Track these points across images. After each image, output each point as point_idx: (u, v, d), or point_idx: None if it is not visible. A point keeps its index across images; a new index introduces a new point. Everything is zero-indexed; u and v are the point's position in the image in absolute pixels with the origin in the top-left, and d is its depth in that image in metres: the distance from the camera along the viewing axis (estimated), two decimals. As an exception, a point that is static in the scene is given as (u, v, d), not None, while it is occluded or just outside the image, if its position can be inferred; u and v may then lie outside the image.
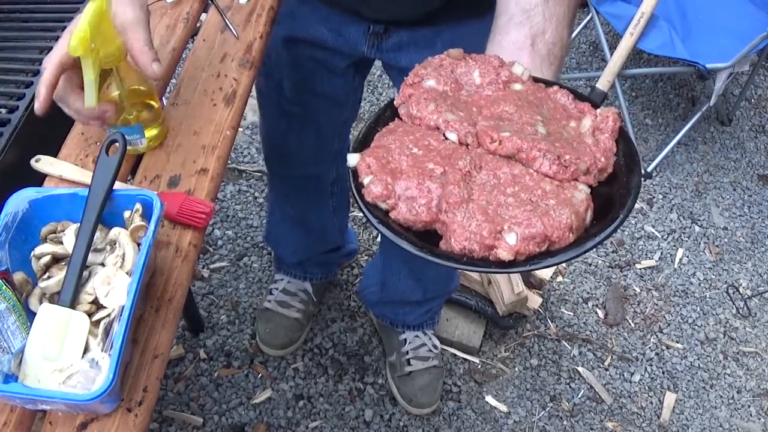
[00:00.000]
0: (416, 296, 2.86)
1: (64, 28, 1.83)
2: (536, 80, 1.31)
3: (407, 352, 3.04)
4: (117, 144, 1.33)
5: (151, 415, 1.29)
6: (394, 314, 3.04)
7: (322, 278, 3.22)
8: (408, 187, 1.12)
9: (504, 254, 1.06)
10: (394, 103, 1.30)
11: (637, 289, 3.50)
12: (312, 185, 2.73)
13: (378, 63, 2.15)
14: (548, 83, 1.32)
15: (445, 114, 1.22)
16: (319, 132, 2.44)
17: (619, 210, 1.13)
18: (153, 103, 1.60)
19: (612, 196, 1.17)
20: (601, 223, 1.13)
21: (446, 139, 1.21)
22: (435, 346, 3.09)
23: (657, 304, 3.45)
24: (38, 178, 1.56)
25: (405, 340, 3.06)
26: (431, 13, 1.87)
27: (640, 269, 3.57)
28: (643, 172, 3.89)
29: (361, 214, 3.55)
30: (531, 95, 1.27)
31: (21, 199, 1.33)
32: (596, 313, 3.39)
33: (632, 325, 3.37)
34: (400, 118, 1.28)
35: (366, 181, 1.15)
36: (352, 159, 1.19)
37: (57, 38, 1.81)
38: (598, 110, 1.26)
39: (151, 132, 1.62)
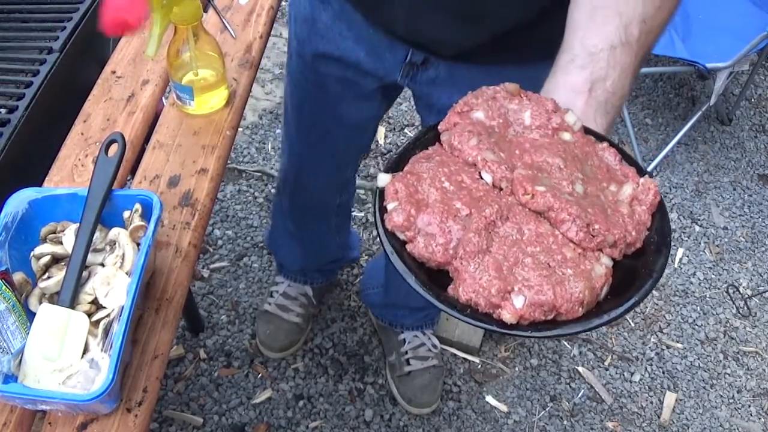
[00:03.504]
0: (419, 302, 2.84)
1: (64, 28, 1.84)
2: (587, 131, 1.26)
3: (406, 352, 3.03)
4: (116, 144, 1.33)
5: (151, 415, 1.29)
6: (393, 316, 3.04)
7: (323, 282, 3.20)
8: (430, 222, 1.10)
9: (507, 316, 1.03)
10: (438, 127, 1.26)
11: (637, 289, 3.49)
12: (316, 210, 2.72)
13: None
14: (599, 137, 1.27)
15: (485, 152, 1.18)
16: (333, 163, 2.42)
17: (635, 292, 1.10)
18: (220, 68, 1.66)
19: (633, 273, 1.13)
20: (614, 302, 1.10)
21: (481, 178, 1.18)
22: (434, 346, 3.08)
23: (657, 304, 3.45)
24: (38, 179, 1.56)
25: (404, 340, 3.05)
26: (479, 48, 1.71)
27: (640, 269, 3.57)
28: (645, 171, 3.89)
29: (362, 215, 3.56)
30: (578, 148, 1.23)
31: (21, 200, 1.34)
32: (596, 312, 3.39)
33: (632, 324, 3.37)
34: (441, 144, 1.24)
35: (390, 207, 1.13)
36: (383, 180, 1.16)
37: (56, 38, 1.82)
38: (641, 180, 1.21)
39: (215, 96, 1.70)
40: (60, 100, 1.75)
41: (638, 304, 1.09)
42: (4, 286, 1.21)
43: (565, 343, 3.26)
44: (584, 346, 3.27)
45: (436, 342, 3.10)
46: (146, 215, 1.33)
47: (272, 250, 3.25)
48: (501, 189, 1.17)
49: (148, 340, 1.34)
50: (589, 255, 1.11)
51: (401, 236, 1.12)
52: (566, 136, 1.24)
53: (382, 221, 1.13)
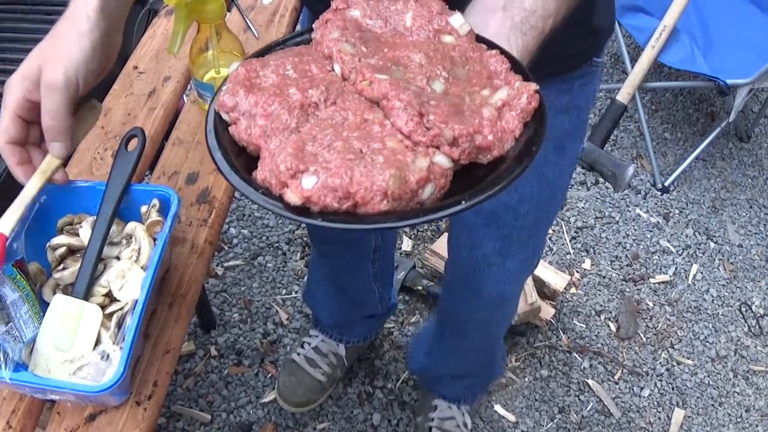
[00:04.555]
0: (461, 370, 2.78)
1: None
2: (481, 41, 1.14)
3: (433, 419, 2.90)
4: (136, 139, 1.34)
5: (160, 409, 1.30)
6: (433, 380, 2.92)
7: (359, 340, 3.04)
8: (256, 104, 1.02)
9: (291, 196, 0.93)
10: (313, 25, 1.17)
11: (651, 304, 3.49)
12: (352, 250, 2.60)
13: None
14: (492, 47, 1.13)
15: (343, 44, 1.09)
16: None
17: (464, 198, 0.96)
18: None
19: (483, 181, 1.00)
20: (437, 204, 0.97)
21: (332, 71, 1.09)
22: (465, 425, 2.92)
23: (669, 320, 3.44)
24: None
25: (435, 406, 2.92)
26: None
27: (654, 284, 3.56)
28: (660, 186, 3.89)
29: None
30: (457, 51, 1.12)
31: (39, 190, 1.34)
32: (608, 326, 3.39)
33: (644, 339, 3.36)
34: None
35: (223, 88, 1.07)
36: (233, 65, 1.09)
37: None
38: (517, 84, 1.07)
39: None
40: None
41: (464, 210, 0.95)
42: (18, 275, 1.22)
43: (576, 355, 3.26)
44: (595, 359, 3.26)
45: (469, 421, 2.94)
46: (164, 211, 1.33)
47: (309, 304, 3.09)
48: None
49: (160, 335, 1.35)
50: (420, 150, 0.98)
51: (225, 117, 1.05)
52: (447, 38, 1.14)
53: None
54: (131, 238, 1.32)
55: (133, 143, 1.34)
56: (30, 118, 1.26)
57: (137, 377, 1.29)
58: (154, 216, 1.32)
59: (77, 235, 1.35)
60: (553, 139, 1.71)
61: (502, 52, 1.11)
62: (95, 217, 1.30)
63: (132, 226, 1.33)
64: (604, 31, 1.67)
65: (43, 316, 1.24)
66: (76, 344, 1.22)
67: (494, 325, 2.43)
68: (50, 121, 1.24)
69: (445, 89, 1.05)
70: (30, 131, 1.28)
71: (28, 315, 1.22)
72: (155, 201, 1.34)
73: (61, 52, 1.25)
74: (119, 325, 1.23)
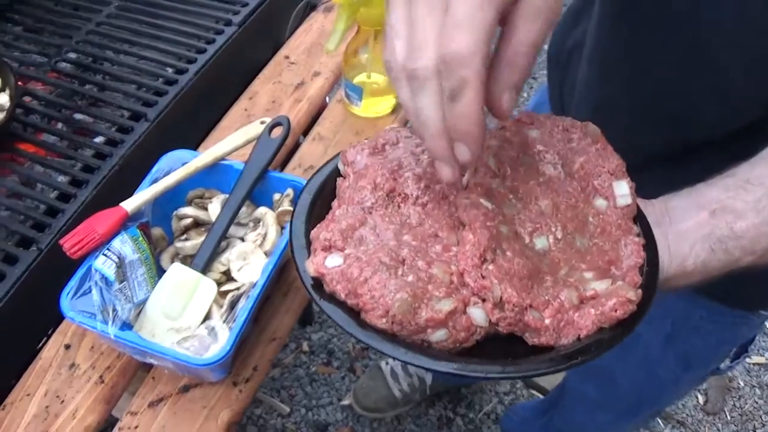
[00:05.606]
0: None
1: (247, 4, 1.86)
2: (639, 220, 0.99)
3: None
4: (281, 127, 1.35)
5: (255, 394, 1.31)
6: None
7: (449, 380, 3.03)
8: (367, 167, 0.99)
9: (309, 263, 0.91)
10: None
11: (742, 383, 3.42)
12: None
13: None
14: (647, 237, 0.97)
15: (488, 157, 0.98)
16: None
17: (457, 361, 0.86)
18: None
19: (515, 357, 0.87)
20: (438, 354, 0.87)
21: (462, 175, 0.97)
22: None
23: (757, 403, 3.37)
24: (191, 144, 1.59)
25: None
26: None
27: (749, 364, 3.49)
28: None
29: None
30: (597, 220, 0.99)
31: (175, 159, 1.36)
32: (697, 397, 3.32)
33: (728, 417, 3.30)
34: None
35: (362, 141, 1.05)
36: (390, 126, 1.07)
37: (238, 12, 1.84)
38: (619, 283, 0.91)
39: (383, 102, 1.71)
40: (228, 71, 1.78)
41: (452, 374, 0.85)
42: (141, 237, 1.24)
43: (659, 420, 3.21)
44: (677, 428, 3.21)
45: None
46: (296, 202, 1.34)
47: None
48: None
49: (269, 322, 1.35)
50: (463, 292, 0.88)
51: (340, 168, 1.04)
52: (599, 202, 1.00)
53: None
54: (259, 222, 1.33)
55: (277, 131, 1.35)
56: None
57: (239, 358, 1.30)
58: (286, 205, 1.33)
59: (205, 209, 1.37)
60: (680, 353, 1.62)
61: (649, 246, 0.96)
62: (227, 195, 1.31)
63: (262, 210, 1.34)
64: None
65: (158, 281, 1.26)
66: (185, 315, 1.24)
67: None
68: (525, 55, 0.74)
69: (547, 249, 0.95)
70: None
71: (143, 277, 1.24)
72: (289, 191, 1.34)
73: None
74: (232, 305, 1.24)
